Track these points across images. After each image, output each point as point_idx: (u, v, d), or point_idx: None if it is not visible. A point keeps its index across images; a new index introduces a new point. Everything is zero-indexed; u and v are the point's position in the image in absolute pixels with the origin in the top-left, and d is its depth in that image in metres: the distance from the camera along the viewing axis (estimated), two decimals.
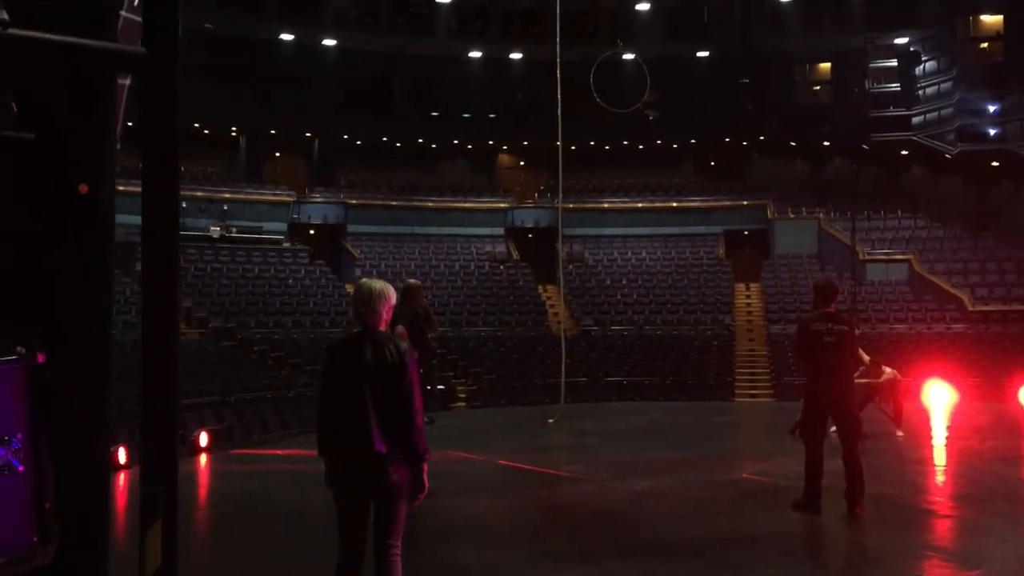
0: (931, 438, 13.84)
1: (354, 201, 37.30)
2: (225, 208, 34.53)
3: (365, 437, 4.20)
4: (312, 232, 36.71)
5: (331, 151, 39.65)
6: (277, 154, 39.77)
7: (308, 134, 39.01)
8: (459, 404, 24.39)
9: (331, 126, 38.12)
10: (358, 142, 39.63)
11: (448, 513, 7.86)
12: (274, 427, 18.91)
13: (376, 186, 38.92)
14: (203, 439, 13.28)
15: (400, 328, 7.73)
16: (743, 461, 11.39)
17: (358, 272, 31.84)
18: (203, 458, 12.61)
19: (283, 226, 35.88)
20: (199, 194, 33.85)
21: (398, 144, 39.72)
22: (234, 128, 37.92)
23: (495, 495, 8.99)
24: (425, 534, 7.05)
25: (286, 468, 11.86)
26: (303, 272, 33.06)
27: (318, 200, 37.37)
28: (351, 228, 36.62)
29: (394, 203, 37.77)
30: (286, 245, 34.97)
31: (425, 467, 4.39)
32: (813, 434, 7.58)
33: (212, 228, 33.16)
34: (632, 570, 6.07)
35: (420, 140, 39.71)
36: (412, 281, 9.46)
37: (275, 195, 36.64)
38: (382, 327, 4.45)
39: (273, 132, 38.11)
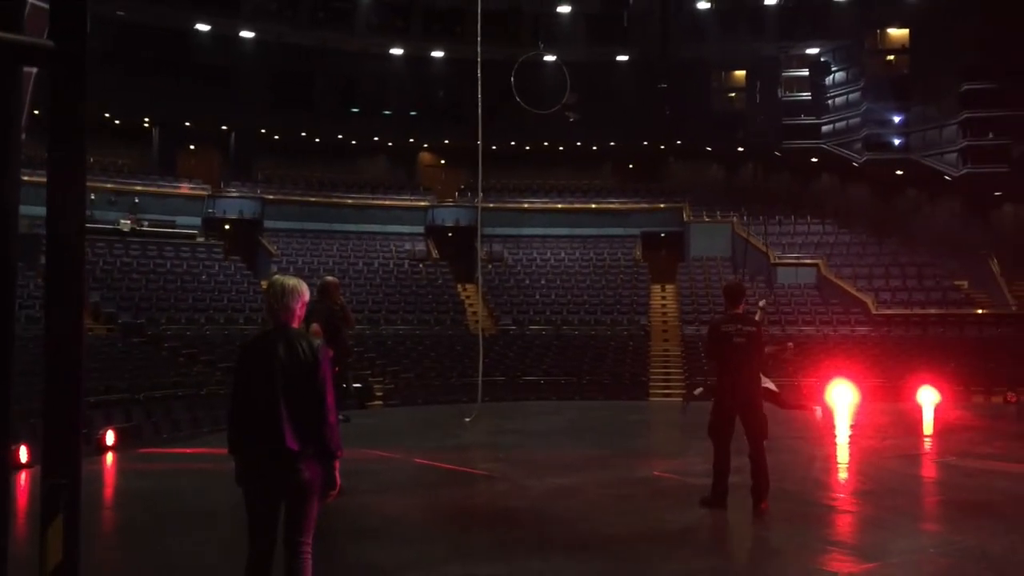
0: (834, 437, 14.33)
1: (271, 196, 36.70)
2: (136, 201, 33.62)
3: (277, 434, 4.18)
4: (227, 227, 35.98)
5: (248, 145, 38.92)
6: (192, 147, 38.86)
7: (224, 127, 38.23)
8: (376, 403, 24.23)
9: (249, 119, 37.42)
10: (276, 136, 39.02)
11: (362, 511, 7.83)
12: (185, 426, 18.47)
13: (294, 182, 38.40)
14: (110, 437, 12.91)
15: (315, 326, 7.67)
16: (655, 459, 11.63)
17: (275, 268, 31.35)
18: (110, 457, 12.28)
19: (197, 220, 35.07)
20: (109, 186, 32.91)
21: (317, 140, 39.26)
22: (147, 119, 36.93)
23: (410, 493, 8.99)
24: (338, 532, 7.01)
25: (196, 467, 11.64)
26: (217, 267, 32.40)
27: (234, 195, 36.65)
28: (268, 224, 36.02)
29: (312, 199, 37.29)
30: (200, 240, 34.20)
31: (337, 464, 4.38)
32: (721, 433, 7.76)
33: (122, 221, 32.24)
34: (543, 566, 6.14)
35: (340, 136, 39.33)
36: (329, 278, 9.37)
37: (189, 188, 35.79)
38: (295, 324, 4.43)
39: (188, 124, 37.25)
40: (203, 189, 35.93)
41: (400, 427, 16.11)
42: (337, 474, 4.40)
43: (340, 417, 4.79)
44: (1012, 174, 32.85)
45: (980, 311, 30.66)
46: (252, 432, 4.27)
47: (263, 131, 38.47)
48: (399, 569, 6.05)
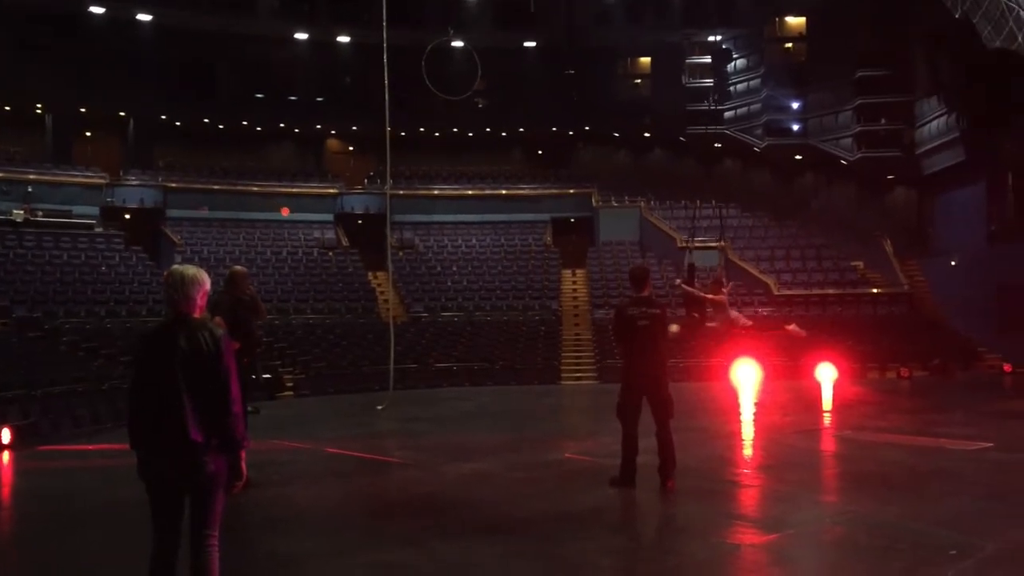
0: (738, 414, 14.76)
1: (174, 184, 35.72)
2: (29, 190, 32.30)
3: (179, 426, 4.10)
4: (128, 216, 34.89)
5: (148, 132, 37.74)
6: (88, 134, 37.50)
7: (123, 113, 37.00)
8: (286, 393, 23.87)
9: (148, 106, 36.29)
10: (178, 123, 37.95)
11: (271, 502, 7.74)
12: (86, 422, 17.85)
13: (197, 169, 37.42)
14: (6, 436, 12.40)
15: (217, 318, 7.53)
16: (566, 441, 11.77)
17: (179, 259, 30.55)
18: (6, 456, 11.83)
19: (95, 210, 33.90)
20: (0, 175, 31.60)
21: (221, 126, 38.33)
22: (39, 105, 35.46)
23: (321, 483, 8.91)
24: (246, 524, 6.92)
25: (97, 463, 11.33)
26: (118, 258, 31.41)
27: (134, 183, 35.53)
28: (171, 213, 35.06)
29: (216, 187, 36.42)
30: (99, 230, 33.08)
31: (243, 455, 4.33)
32: (628, 414, 7.91)
33: (15, 211, 30.99)
34: (456, 550, 6.17)
35: (245, 123, 38.49)
36: (237, 268, 9.19)
37: (86, 177, 34.55)
38: (196, 314, 4.35)
39: (83, 111, 35.95)
40: (101, 178, 34.73)
41: (311, 417, 15.93)
42: (244, 465, 4.35)
43: (249, 409, 4.73)
44: (903, 158, 34.18)
45: (875, 290, 31.87)
46: (154, 424, 4.18)
47: (164, 117, 37.39)
48: (309, 558, 6.00)
